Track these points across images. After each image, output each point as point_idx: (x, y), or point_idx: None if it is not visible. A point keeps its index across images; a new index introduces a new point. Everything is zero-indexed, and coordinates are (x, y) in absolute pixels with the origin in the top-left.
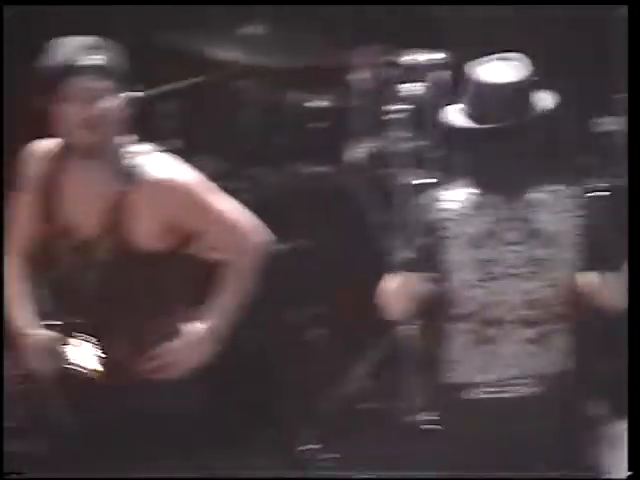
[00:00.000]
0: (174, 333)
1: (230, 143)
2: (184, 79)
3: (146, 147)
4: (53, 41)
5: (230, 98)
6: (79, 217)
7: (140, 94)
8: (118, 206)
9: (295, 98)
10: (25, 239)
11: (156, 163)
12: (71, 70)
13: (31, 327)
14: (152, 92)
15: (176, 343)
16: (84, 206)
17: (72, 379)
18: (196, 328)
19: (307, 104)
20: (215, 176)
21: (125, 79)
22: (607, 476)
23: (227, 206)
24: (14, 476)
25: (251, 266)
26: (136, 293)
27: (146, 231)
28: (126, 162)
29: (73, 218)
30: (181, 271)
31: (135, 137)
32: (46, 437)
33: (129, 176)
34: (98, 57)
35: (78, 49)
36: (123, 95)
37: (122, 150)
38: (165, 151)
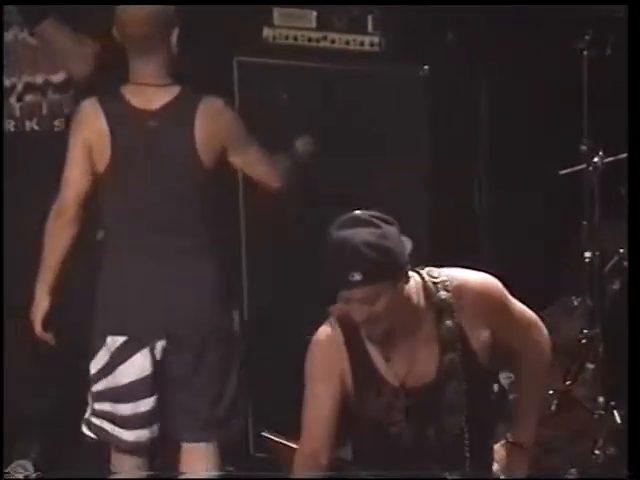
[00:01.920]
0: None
1: None
2: None
3: (434, 269)
4: (335, 239)
5: None
6: (414, 367)
7: None
8: (449, 334)
9: None
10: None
11: (457, 275)
12: (343, 285)
13: None
14: None
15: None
16: (415, 352)
17: None
18: (512, 441)
19: None
20: None
21: (404, 260)
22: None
23: (520, 304)
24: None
25: (548, 363)
26: (486, 415)
27: (479, 340)
28: (431, 291)
29: (404, 372)
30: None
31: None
32: None
33: (442, 301)
34: (371, 264)
35: (351, 259)
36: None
37: (427, 286)
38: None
